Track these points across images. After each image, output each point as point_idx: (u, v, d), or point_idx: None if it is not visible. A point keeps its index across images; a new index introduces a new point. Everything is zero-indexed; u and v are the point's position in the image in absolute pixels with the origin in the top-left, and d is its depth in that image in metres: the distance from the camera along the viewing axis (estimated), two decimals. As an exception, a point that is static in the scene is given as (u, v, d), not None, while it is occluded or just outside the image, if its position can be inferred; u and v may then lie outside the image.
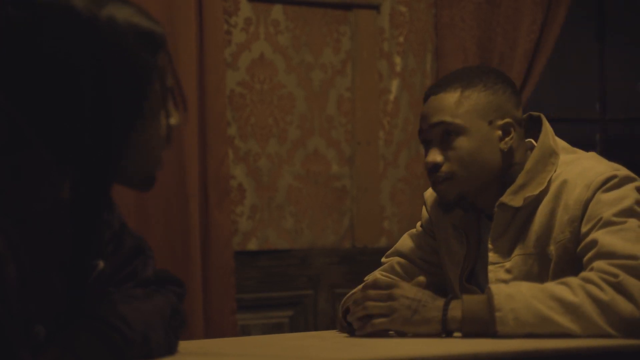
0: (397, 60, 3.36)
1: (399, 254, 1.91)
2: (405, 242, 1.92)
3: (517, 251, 1.67)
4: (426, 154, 1.72)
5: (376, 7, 3.33)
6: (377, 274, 1.91)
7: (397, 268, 1.89)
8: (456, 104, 1.68)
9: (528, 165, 1.68)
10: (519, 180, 1.67)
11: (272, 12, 3.16)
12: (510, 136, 1.69)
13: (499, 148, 1.69)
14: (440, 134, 1.69)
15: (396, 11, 3.36)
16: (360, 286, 1.64)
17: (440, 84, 1.72)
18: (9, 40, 1.16)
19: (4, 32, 1.16)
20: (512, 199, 1.66)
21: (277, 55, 3.17)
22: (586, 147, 1.79)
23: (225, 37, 3.05)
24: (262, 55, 3.14)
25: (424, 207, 1.91)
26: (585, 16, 3.96)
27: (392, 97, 3.36)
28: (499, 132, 1.69)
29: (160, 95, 1.22)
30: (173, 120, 1.26)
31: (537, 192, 1.65)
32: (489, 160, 1.68)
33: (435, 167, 1.68)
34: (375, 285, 1.58)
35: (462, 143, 1.67)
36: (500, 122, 1.69)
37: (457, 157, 1.67)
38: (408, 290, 1.55)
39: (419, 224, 1.92)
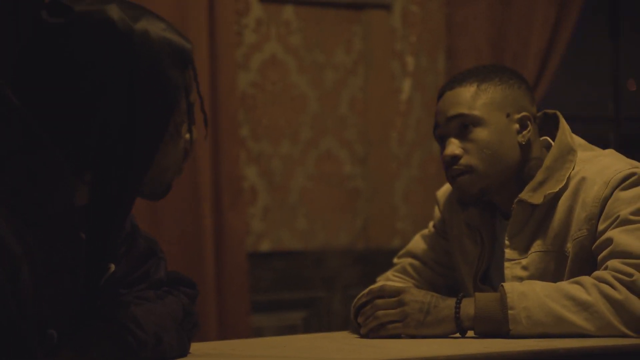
0: (410, 60, 3.36)
1: (411, 255, 1.90)
2: (417, 243, 1.91)
3: (534, 248, 1.66)
4: (442, 149, 1.71)
5: (388, 7, 3.32)
6: (389, 275, 1.90)
7: (409, 269, 1.88)
8: (473, 97, 1.67)
9: (547, 162, 1.67)
10: (538, 177, 1.66)
11: (283, 12, 3.17)
12: (528, 129, 1.69)
13: (517, 141, 1.68)
14: (458, 127, 1.68)
15: (408, 11, 3.36)
16: (366, 290, 1.63)
17: (456, 80, 1.71)
18: (40, 46, 1.15)
19: (35, 37, 1.16)
20: (531, 195, 1.66)
21: (289, 56, 3.17)
22: (600, 146, 1.77)
23: (237, 38, 3.05)
24: (274, 55, 3.14)
25: (436, 206, 1.90)
26: (598, 14, 3.93)
27: (404, 97, 3.35)
28: (517, 126, 1.69)
29: (185, 112, 1.22)
30: (193, 135, 1.26)
31: (556, 189, 1.64)
32: (508, 153, 1.67)
33: (454, 159, 1.67)
34: (382, 293, 1.57)
35: (480, 134, 1.66)
36: (517, 116, 1.69)
37: (477, 149, 1.66)
38: (417, 294, 1.55)
39: (431, 224, 1.91)
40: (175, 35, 1.20)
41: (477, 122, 1.66)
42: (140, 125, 1.16)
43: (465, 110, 1.67)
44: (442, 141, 1.71)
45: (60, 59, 1.14)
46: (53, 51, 1.15)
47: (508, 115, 1.68)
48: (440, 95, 1.72)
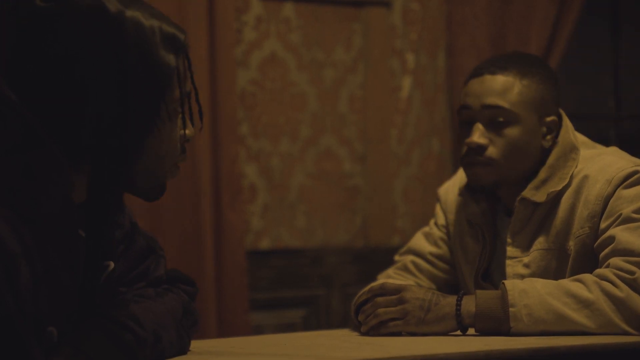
0: (409, 57, 3.35)
1: (412, 252, 1.90)
2: (418, 240, 1.91)
3: (536, 246, 1.66)
4: (468, 133, 1.68)
5: (388, 4, 3.32)
6: (390, 273, 1.90)
7: (410, 267, 1.88)
8: (513, 92, 1.66)
9: (550, 160, 1.67)
10: (541, 175, 1.66)
11: (283, 10, 3.16)
12: (553, 134, 1.69)
13: (541, 144, 1.68)
14: (491, 117, 1.67)
15: (408, 8, 3.35)
16: (367, 288, 1.63)
17: (497, 64, 1.68)
18: (30, 32, 1.15)
19: (25, 24, 1.16)
20: (534, 194, 1.65)
21: (288, 54, 3.16)
22: (600, 144, 1.77)
23: (236, 35, 3.04)
24: (273, 53, 3.14)
25: (437, 204, 1.90)
26: (599, 11, 3.93)
27: (404, 94, 3.34)
28: (544, 129, 1.69)
29: (179, 101, 1.22)
30: (188, 131, 1.25)
31: (559, 187, 1.64)
32: (531, 155, 1.67)
33: (479, 148, 1.66)
34: (383, 291, 1.57)
35: (513, 132, 1.66)
36: (548, 119, 1.69)
37: (504, 144, 1.65)
38: (417, 292, 1.55)
39: (432, 221, 1.91)
40: (168, 23, 1.21)
41: (512, 119, 1.66)
42: (132, 106, 1.15)
43: (505, 104, 1.65)
44: (468, 124, 1.69)
45: (50, 45, 1.14)
46: (43, 37, 1.14)
47: (540, 118, 1.68)
48: (478, 75, 1.69)
